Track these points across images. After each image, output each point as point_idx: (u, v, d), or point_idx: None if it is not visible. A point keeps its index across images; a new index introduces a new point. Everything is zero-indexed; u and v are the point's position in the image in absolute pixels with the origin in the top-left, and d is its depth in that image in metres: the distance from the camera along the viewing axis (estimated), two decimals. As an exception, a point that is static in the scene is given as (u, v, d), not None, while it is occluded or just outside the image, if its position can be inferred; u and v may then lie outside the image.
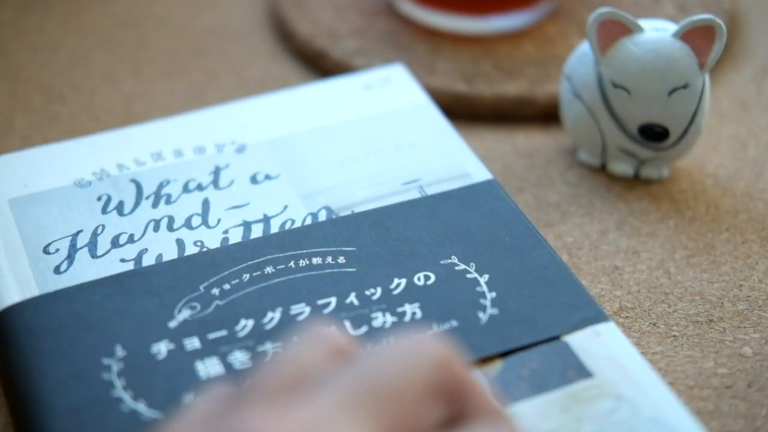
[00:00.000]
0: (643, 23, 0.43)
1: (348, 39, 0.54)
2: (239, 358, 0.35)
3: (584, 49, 0.45)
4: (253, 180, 0.43)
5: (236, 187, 0.43)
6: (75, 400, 0.34)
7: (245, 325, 0.36)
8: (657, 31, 0.43)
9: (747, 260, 0.43)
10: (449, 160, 0.44)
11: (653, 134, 0.45)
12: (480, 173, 0.43)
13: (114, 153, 0.44)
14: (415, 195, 0.42)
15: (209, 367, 0.35)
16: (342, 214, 0.41)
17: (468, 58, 0.53)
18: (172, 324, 0.36)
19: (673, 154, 0.46)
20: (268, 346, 0.35)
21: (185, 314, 0.37)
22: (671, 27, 0.43)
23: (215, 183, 0.43)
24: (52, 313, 0.37)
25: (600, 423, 0.33)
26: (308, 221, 0.41)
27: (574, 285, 0.38)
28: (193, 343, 0.36)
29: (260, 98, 0.48)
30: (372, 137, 0.45)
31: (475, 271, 0.38)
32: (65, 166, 0.43)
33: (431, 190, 0.42)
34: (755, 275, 0.42)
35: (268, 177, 0.43)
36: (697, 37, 0.42)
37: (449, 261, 0.39)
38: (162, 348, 0.35)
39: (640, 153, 0.46)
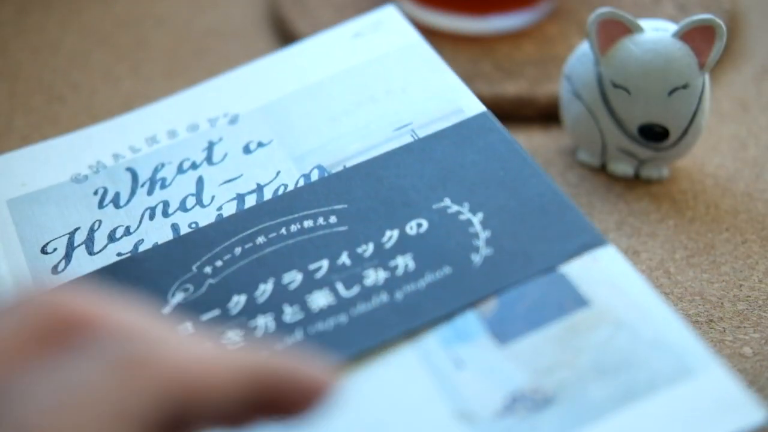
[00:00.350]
0: (643, 23, 0.43)
1: (348, 39, 0.54)
2: (232, 338, 0.35)
3: (584, 49, 0.45)
4: (246, 150, 0.42)
5: (229, 159, 0.42)
6: None
7: (237, 302, 0.36)
8: (657, 31, 0.43)
9: (747, 260, 0.43)
10: (441, 98, 0.42)
11: (653, 134, 0.44)
12: (473, 107, 0.42)
13: (109, 143, 0.44)
14: (407, 140, 0.41)
15: None
16: (334, 170, 0.40)
17: (468, 58, 0.53)
18: (166, 310, 0.36)
19: (673, 154, 0.46)
20: (261, 321, 0.35)
21: (178, 298, 0.36)
22: (671, 27, 0.43)
23: (209, 159, 0.42)
24: None
25: (598, 351, 0.32)
26: (301, 183, 0.40)
27: (570, 211, 0.37)
28: (186, 328, 0.35)
29: (250, 65, 0.47)
30: (363, 86, 0.44)
31: (469, 210, 0.37)
32: (62, 162, 0.43)
33: (423, 133, 0.41)
34: (755, 275, 0.42)
35: (260, 144, 0.42)
36: (697, 37, 0.42)
37: (442, 204, 0.38)
38: None
39: (640, 153, 0.46)
